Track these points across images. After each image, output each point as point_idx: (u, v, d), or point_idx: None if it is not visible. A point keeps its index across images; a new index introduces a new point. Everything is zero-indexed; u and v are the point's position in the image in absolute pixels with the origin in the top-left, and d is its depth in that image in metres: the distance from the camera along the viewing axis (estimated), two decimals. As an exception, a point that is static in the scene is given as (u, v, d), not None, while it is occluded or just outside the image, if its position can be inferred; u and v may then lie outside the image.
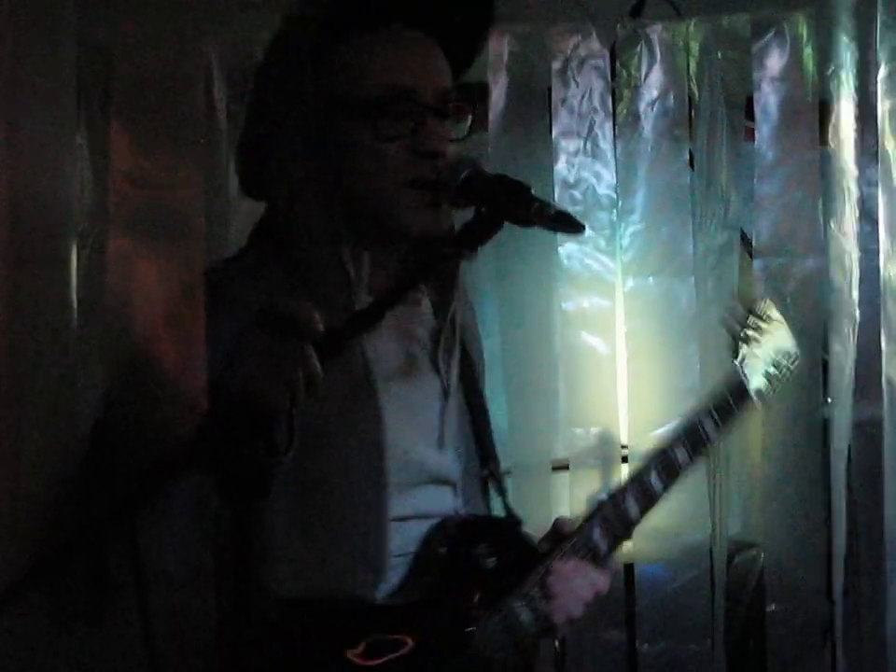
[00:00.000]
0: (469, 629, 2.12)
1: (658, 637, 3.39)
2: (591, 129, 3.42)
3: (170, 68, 2.22)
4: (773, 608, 3.40)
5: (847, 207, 3.29)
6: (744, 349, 2.58)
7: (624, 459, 3.41)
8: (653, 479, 2.36)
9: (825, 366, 3.35)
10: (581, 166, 3.42)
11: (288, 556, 1.99)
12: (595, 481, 3.38)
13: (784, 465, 3.42)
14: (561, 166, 3.42)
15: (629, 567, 3.38)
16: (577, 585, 2.21)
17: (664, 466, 2.39)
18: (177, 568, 1.96)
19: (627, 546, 3.30)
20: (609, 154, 3.43)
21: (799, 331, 3.30)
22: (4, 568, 1.86)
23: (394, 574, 2.10)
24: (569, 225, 1.88)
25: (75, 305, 2.34)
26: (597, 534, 2.28)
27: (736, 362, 2.55)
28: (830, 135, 3.33)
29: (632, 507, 2.33)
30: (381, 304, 1.82)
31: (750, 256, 3.47)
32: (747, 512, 3.62)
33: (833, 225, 3.32)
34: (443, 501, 2.20)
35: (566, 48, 3.42)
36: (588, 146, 3.42)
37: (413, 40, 2.12)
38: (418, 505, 2.14)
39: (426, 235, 2.10)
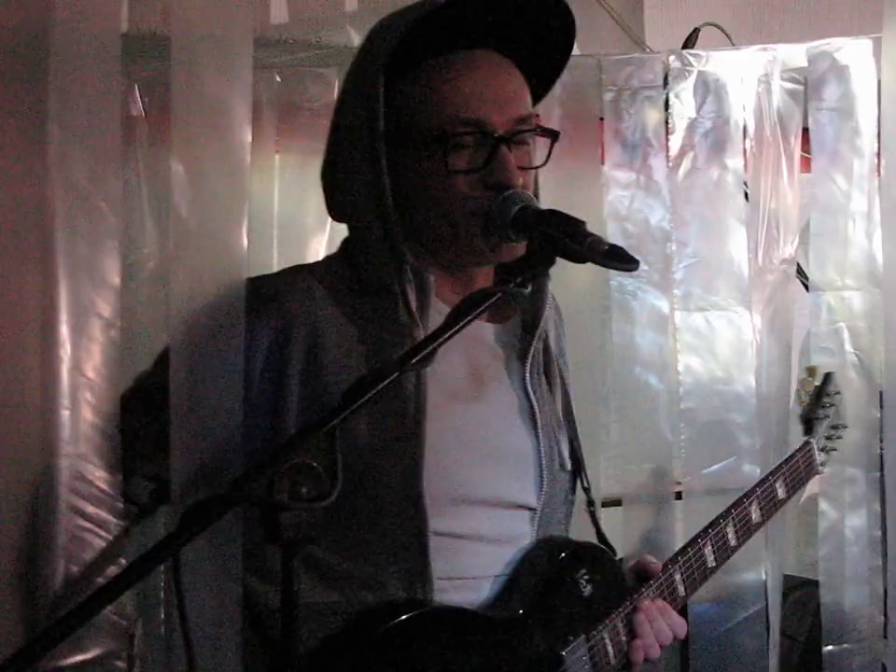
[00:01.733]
0: (561, 653, 2.14)
1: (713, 679, 3.33)
2: (644, 161, 3.38)
3: (221, 101, 2.21)
4: (829, 648, 3.33)
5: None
6: (818, 428, 2.74)
7: (678, 496, 3.36)
8: (730, 532, 2.43)
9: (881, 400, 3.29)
10: (633, 198, 3.38)
11: (340, 579, 2.02)
12: (649, 517, 3.34)
13: (839, 500, 3.36)
14: (614, 198, 3.38)
15: (683, 607, 3.33)
16: (659, 627, 2.25)
17: (740, 521, 2.47)
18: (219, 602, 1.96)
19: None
20: (663, 186, 3.38)
21: (857, 366, 3.31)
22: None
23: (488, 593, 2.12)
24: (623, 260, 1.86)
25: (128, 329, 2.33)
26: (678, 577, 2.33)
27: (813, 441, 2.71)
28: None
29: (709, 555, 2.37)
30: (429, 340, 1.81)
31: (807, 289, 3.42)
32: (802, 549, 3.57)
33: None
34: (512, 525, 2.18)
35: (618, 78, 3.39)
36: (641, 178, 3.38)
37: (488, 65, 2.11)
38: (475, 526, 2.12)
39: (491, 261, 2.13)
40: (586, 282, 3.31)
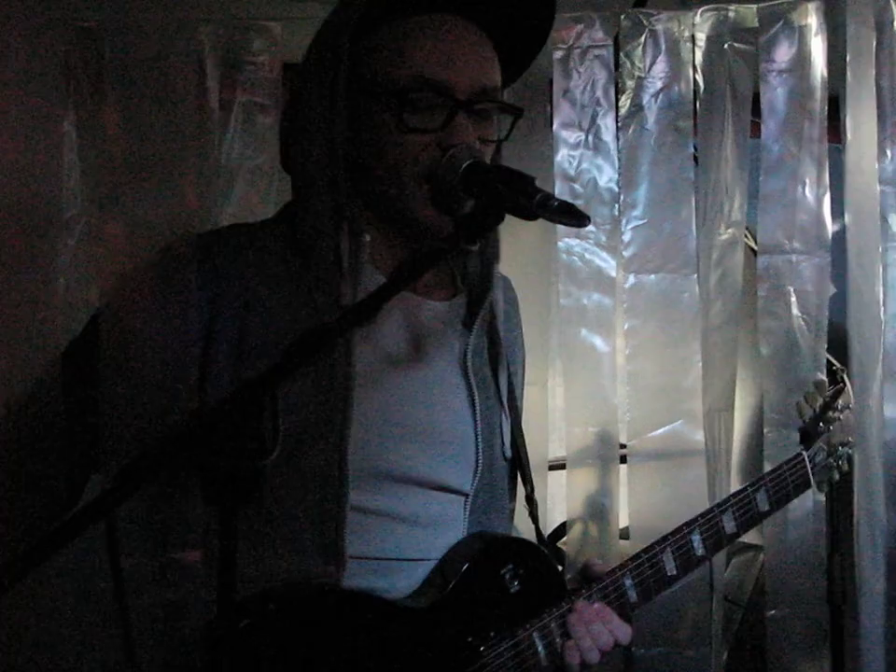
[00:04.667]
0: (479, 647, 2.09)
1: (655, 643, 3.32)
2: (593, 121, 3.34)
3: (162, 52, 2.18)
4: (773, 612, 3.33)
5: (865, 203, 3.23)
6: (816, 444, 2.64)
7: (623, 459, 3.35)
8: (696, 541, 2.35)
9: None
10: (582, 159, 3.34)
11: (256, 556, 1.96)
12: (593, 480, 3.32)
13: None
14: (562, 158, 3.34)
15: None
16: (598, 630, 2.18)
17: (709, 530, 2.38)
18: (157, 565, 1.92)
19: (622, 546, 3.28)
20: (612, 147, 3.35)
21: (803, 330, 3.29)
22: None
23: (408, 577, 2.08)
24: (573, 216, 1.82)
25: (62, 290, 2.29)
26: (629, 583, 2.26)
27: (806, 455, 2.60)
28: (840, 130, 3.26)
29: (668, 563, 2.30)
30: (372, 299, 1.76)
31: (754, 252, 3.41)
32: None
33: (847, 221, 3.25)
34: (440, 509, 2.14)
35: (568, 37, 3.34)
36: (590, 138, 3.34)
37: (458, 31, 2.07)
38: (396, 505, 2.08)
39: (437, 231, 2.06)
40: (533, 243, 3.27)
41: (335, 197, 2.04)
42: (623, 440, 3.36)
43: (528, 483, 2.30)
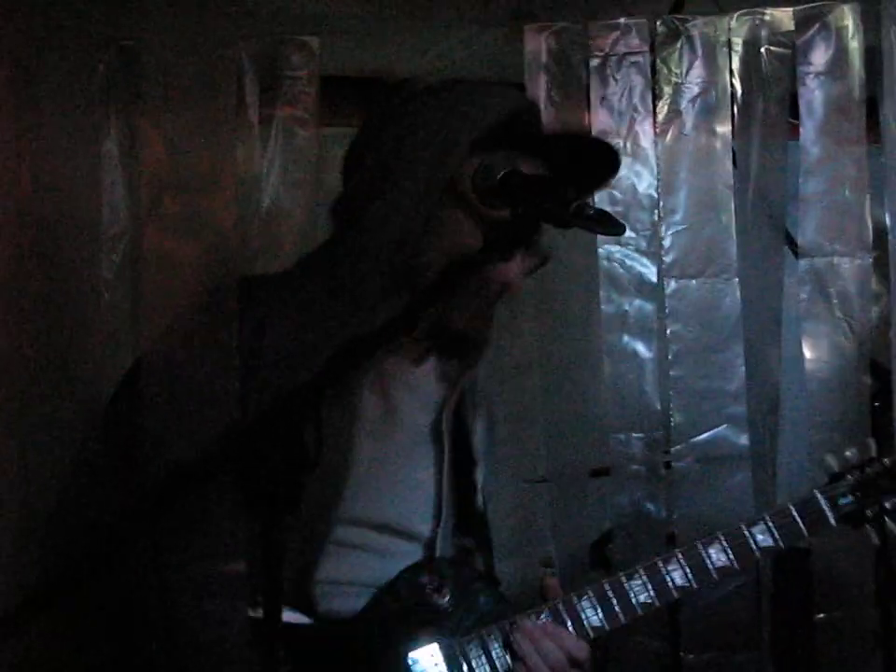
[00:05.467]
0: (407, 655, 2.15)
1: (703, 647, 3.31)
2: (631, 127, 3.35)
3: (201, 69, 2.20)
4: (822, 616, 3.31)
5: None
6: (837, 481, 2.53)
7: (667, 465, 3.34)
8: (677, 576, 2.33)
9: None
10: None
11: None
12: (638, 486, 3.31)
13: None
14: (600, 165, 3.34)
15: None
16: (546, 648, 2.16)
17: (690, 561, 2.35)
18: (202, 577, 1.94)
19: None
20: (650, 153, 3.36)
21: (846, 332, 3.27)
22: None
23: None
24: (609, 225, 1.83)
25: (105, 306, 2.31)
26: (587, 604, 2.25)
27: (818, 492, 2.50)
28: (879, 131, 3.25)
29: (639, 589, 2.30)
30: (407, 313, 1.79)
31: (795, 255, 3.40)
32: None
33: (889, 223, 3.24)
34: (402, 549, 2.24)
35: (604, 44, 3.35)
36: (628, 144, 3.35)
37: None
38: (370, 543, 2.19)
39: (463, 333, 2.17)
40: (573, 250, 3.28)
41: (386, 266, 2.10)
42: (667, 446, 3.36)
43: (474, 531, 2.36)
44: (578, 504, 3.31)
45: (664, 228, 3.35)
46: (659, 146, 3.36)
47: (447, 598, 2.19)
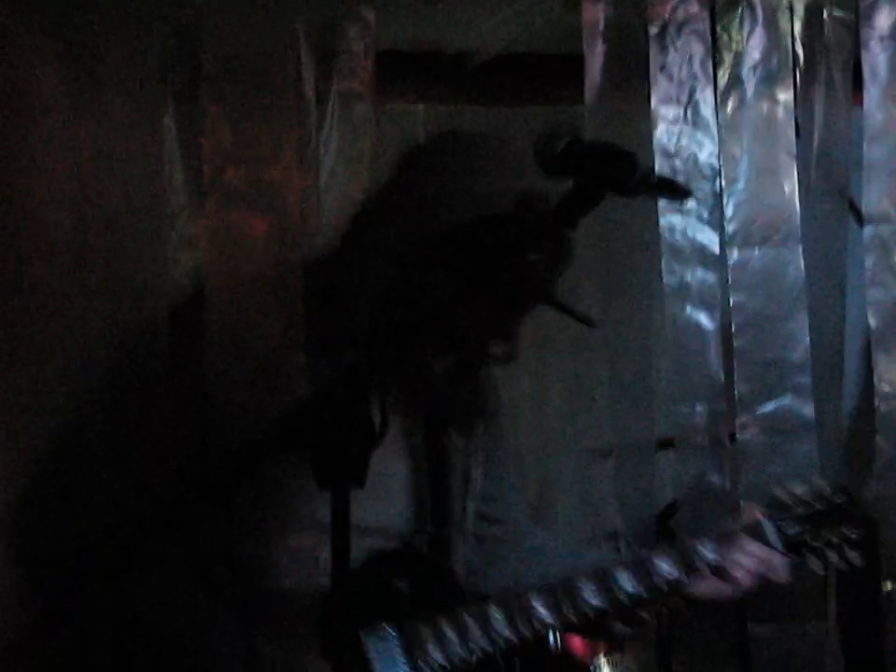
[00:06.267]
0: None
1: (770, 618, 3.29)
2: (691, 96, 3.31)
3: (258, 45, 2.21)
4: (890, 586, 3.29)
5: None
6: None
7: (732, 437, 3.32)
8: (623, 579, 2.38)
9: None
10: (681, 135, 3.31)
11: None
12: (703, 458, 3.30)
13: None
14: (661, 135, 3.31)
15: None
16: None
17: (636, 572, 2.40)
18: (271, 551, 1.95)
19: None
20: (711, 121, 3.32)
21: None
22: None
23: None
24: (675, 191, 1.82)
25: (168, 283, 2.32)
26: (539, 603, 2.27)
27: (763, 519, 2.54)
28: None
29: (589, 593, 2.33)
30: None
31: (860, 223, 3.36)
32: (860, 483, 3.52)
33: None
34: None
35: (663, 12, 3.31)
36: (688, 113, 3.32)
37: None
38: None
39: None
40: (634, 221, 3.26)
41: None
42: (732, 417, 3.34)
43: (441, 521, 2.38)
44: (644, 476, 3.30)
45: (725, 197, 3.32)
46: (720, 114, 3.32)
47: (409, 586, 2.21)
